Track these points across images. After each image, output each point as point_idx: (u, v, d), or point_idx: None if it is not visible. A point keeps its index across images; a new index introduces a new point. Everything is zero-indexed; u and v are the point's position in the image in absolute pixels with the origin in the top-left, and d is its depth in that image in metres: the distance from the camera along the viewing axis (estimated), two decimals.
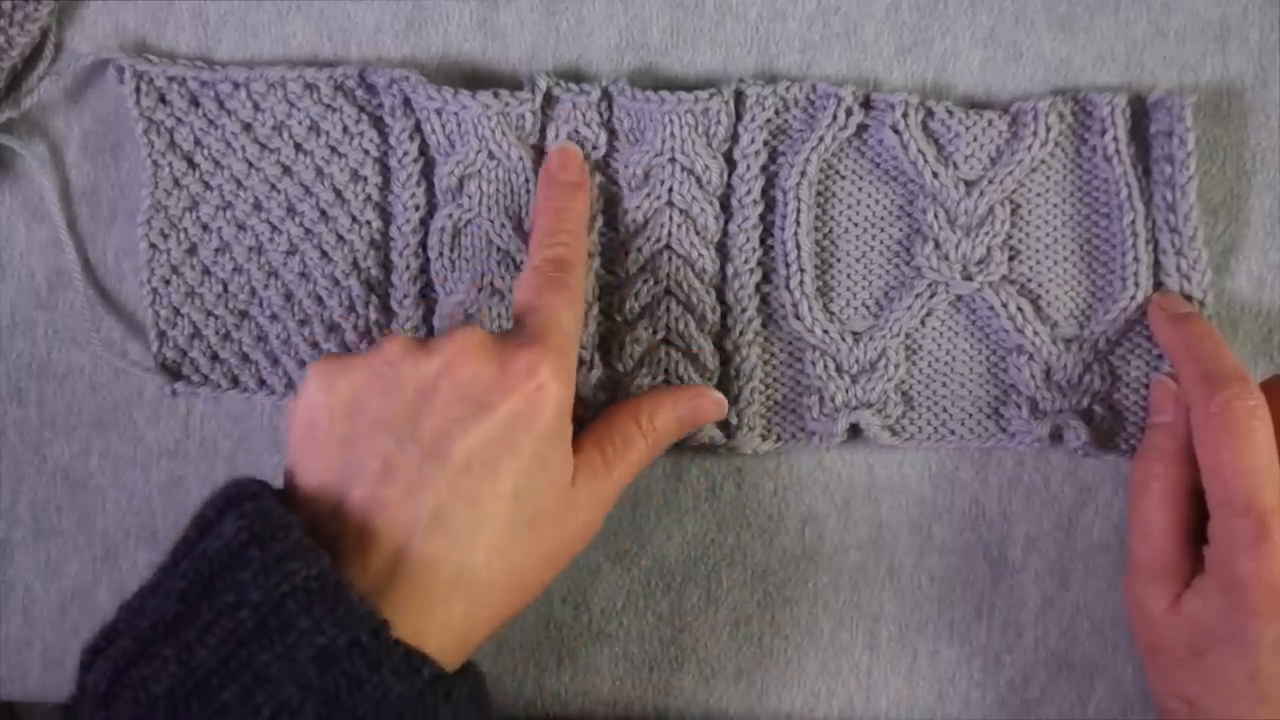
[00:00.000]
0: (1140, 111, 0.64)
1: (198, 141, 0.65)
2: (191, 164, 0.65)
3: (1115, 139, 0.63)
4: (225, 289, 0.65)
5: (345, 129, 0.65)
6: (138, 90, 0.64)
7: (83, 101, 0.66)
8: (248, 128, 0.65)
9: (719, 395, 0.63)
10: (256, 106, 0.64)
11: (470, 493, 0.53)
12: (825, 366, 0.65)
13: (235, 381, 0.65)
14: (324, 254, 0.65)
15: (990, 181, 0.64)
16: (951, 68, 0.66)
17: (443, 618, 0.52)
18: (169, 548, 0.51)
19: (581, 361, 0.64)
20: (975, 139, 0.64)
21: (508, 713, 0.66)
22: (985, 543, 0.66)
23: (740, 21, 0.66)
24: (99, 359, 0.66)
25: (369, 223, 0.65)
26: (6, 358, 0.66)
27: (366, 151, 0.65)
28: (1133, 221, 0.63)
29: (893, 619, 0.66)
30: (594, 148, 0.64)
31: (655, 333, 0.65)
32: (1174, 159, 0.62)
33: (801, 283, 0.64)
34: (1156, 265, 0.63)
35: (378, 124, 0.65)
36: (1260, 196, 0.65)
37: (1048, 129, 0.63)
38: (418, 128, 0.64)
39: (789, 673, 0.66)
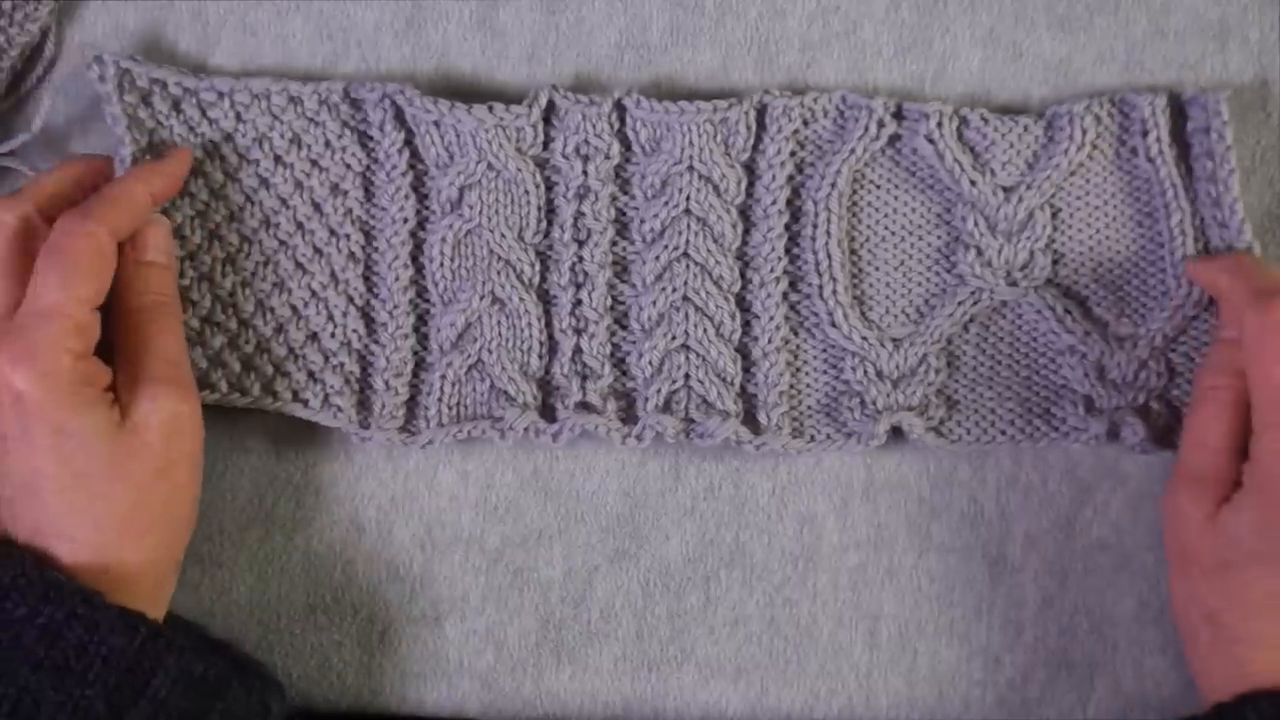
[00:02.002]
0: (1174, 111, 0.64)
1: (176, 148, 0.64)
2: None
3: (1158, 139, 0.63)
4: (184, 295, 0.64)
5: (327, 143, 0.65)
6: (120, 88, 0.63)
7: (80, 99, 0.66)
8: (229, 138, 0.64)
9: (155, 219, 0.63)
10: (239, 117, 0.64)
11: (33, 473, 0.56)
12: (865, 372, 0.65)
13: (206, 384, 0.64)
14: (299, 266, 0.65)
15: (1028, 187, 0.64)
16: (951, 67, 0.66)
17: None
18: None
19: (591, 372, 0.65)
20: (1011, 145, 0.64)
21: (508, 711, 0.66)
22: (984, 542, 0.66)
23: (740, 20, 0.66)
24: None
25: (348, 236, 0.65)
26: None
27: (349, 166, 0.65)
28: (1180, 221, 0.63)
29: (892, 619, 0.66)
30: (605, 157, 0.64)
31: (673, 339, 0.65)
32: (1214, 154, 0.62)
33: (835, 292, 0.64)
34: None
35: (362, 139, 0.65)
36: (1260, 195, 0.65)
37: (1084, 132, 0.63)
38: (408, 141, 0.64)
39: (789, 673, 0.66)
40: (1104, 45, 0.65)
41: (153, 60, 0.65)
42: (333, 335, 0.65)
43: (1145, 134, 0.63)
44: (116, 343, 0.60)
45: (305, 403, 0.65)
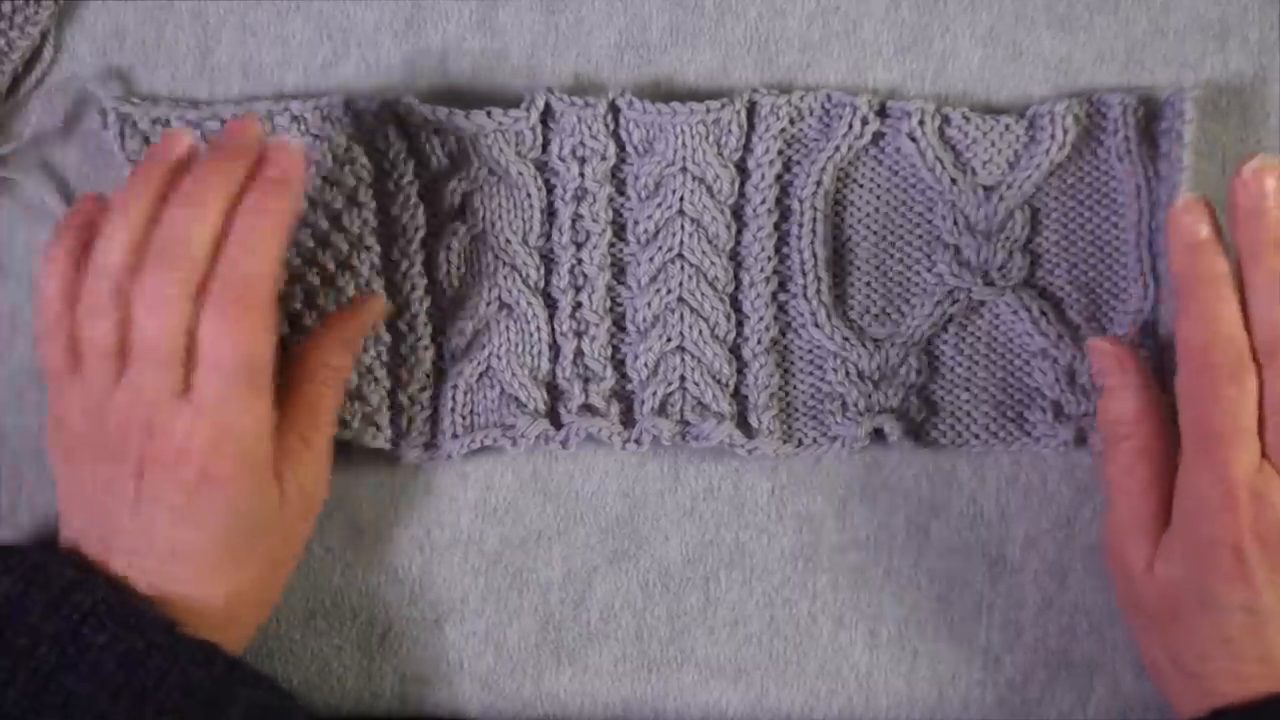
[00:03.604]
0: (1154, 110, 0.64)
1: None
2: None
3: (1127, 138, 0.63)
4: None
5: (335, 158, 0.64)
6: (122, 134, 0.63)
7: (80, 103, 0.66)
8: None
9: (374, 297, 0.63)
10: None
11: (178, 539, 0.56)
12: (846, 373, 0.65)
13: None
14: (326, 280, 0.65)
15: (1009, 186, 0.64)
16: (951, 66, 0.66)
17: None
18: None
19: (593, 374, 0.65)
20: (993, 144, 0.64)
21: (507, 713, 0.66)
22: (984, 542, 0.66)
23: (740, 20, 0.66)
24: None
25: (369, 247, 0.65)
26: (6, 361, 0.67)
27: (360, 178, 0.64)
28: (1136, 223, 0.63)
29: (892, 619, 0.66)
30: (602, 159, 0.64)
31: (669, 341, 0.65)
32: (1170, 155, 0.62)
33: (819, 291, 0.64)
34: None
35: (369, 150, 0.64)
36: None
37: (1065, 131, 0.63)
38: (411, 149, 0.64)
39: (789, 673, 0.66)
40: (1104, 45, 0.65)
41: (151, 61, 0.66)
42: (366, 349, 0.65)
43: (1115, 133, 0.63)
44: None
45: (347, 424, 0.64)
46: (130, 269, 0.55)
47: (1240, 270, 0.57)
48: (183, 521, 0.56)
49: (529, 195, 0.64)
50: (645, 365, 0.65)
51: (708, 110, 0.63)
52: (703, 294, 0.64)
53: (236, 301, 0.54)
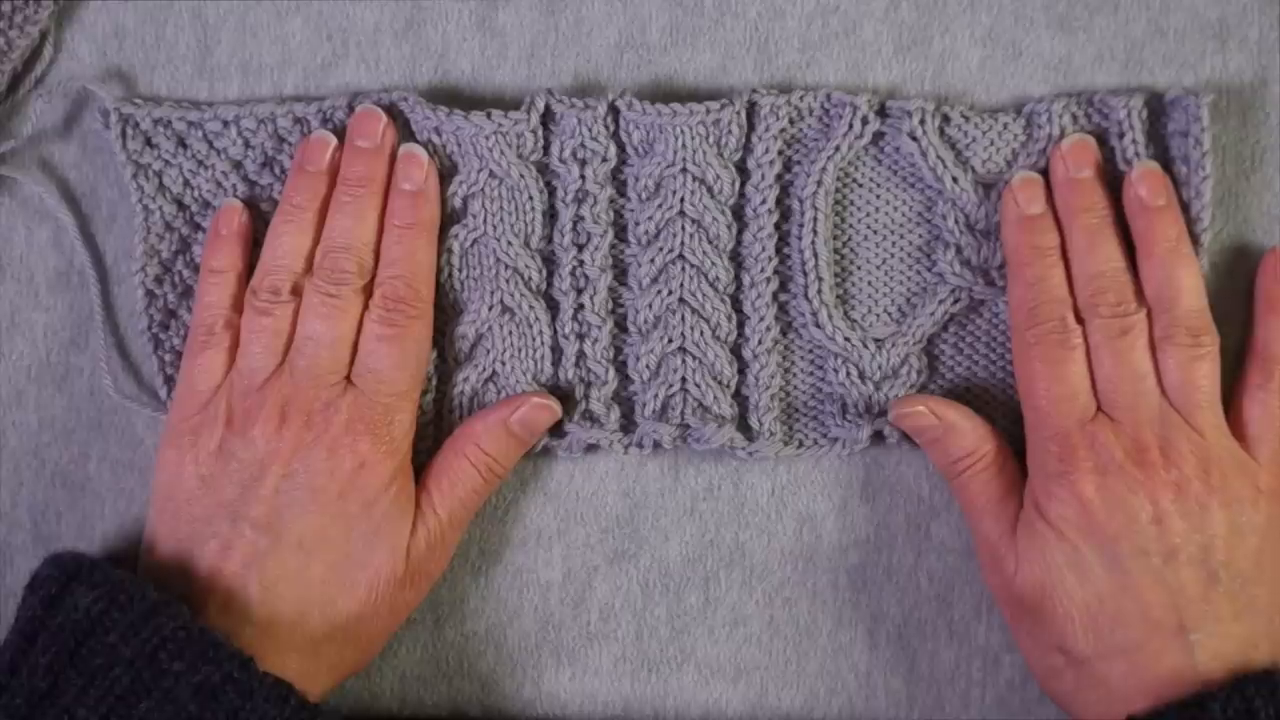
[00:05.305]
0: (1156, 109, 0.63)
1: (187, 183, 0.64)
2: (181, 206, 0.64)
3: (1134, 142, 0.63)
4: None
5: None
6: (124, 135, 0.63)
7: (79, 102, 0.67)
8: (238, 166, 0.64)
9: (546, 400, 0.63)
10: (247, 144, 0.64)
11: (300, 564, 0.58)
12: (848, 374, 0.65)
13: None
14: None
15: (1007, 184, 0.63)
16: (950, 67, 0.66)
17: (278, 669, 0.55)
18: (12, 630, 0.56)
19: (595, 377, 0.64)
20: (991, 142, 0.64)
21: (508, 713, 0.66)
22: None
23: (739, 20, 0.66)
24: (98, 362, 0.66)
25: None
26: (6, 359, 0.67)
27: None
28: None
29: (892, 619, 0.66)
30: (602, 160, 0.64)
31: (670, 342, 0.64)
32: (1189, 160, 0.62)
33: (820, 291, 0.64)
34: None
35: None
36: (1259, 194, 0.65)
37: (1062, 130, 0.63)
38: None
39: (789, 673, 0.66)
40: (1104, 45, 0.65)
41: (151, 61, 0.66)
42: None
43: (1121, 136, 0.63)
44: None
45: None
46: (300, 272, 0.61)
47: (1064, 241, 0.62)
48: (323, 510, 0.58)
49: (530, 198, 0.64)
50: (647, 367, 0.64)
51: (707, 111, 0.63)
52: (704, 294, 0.64)
53: (398, 307, 0.61)
